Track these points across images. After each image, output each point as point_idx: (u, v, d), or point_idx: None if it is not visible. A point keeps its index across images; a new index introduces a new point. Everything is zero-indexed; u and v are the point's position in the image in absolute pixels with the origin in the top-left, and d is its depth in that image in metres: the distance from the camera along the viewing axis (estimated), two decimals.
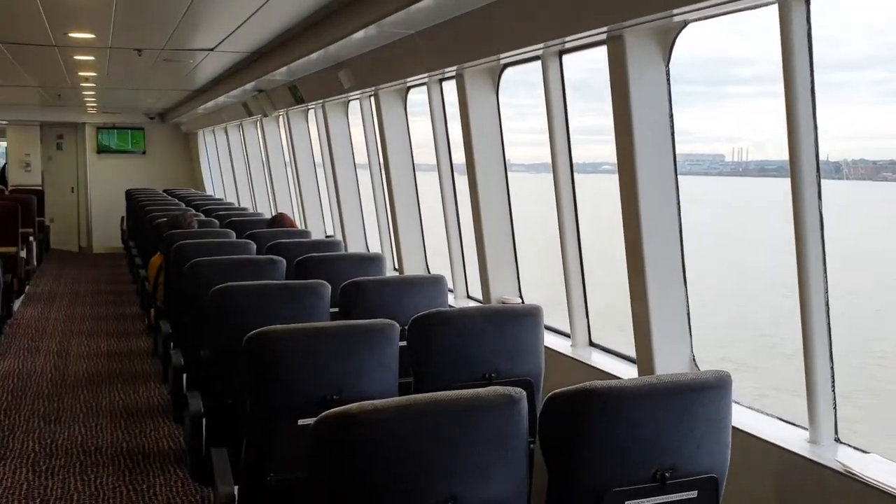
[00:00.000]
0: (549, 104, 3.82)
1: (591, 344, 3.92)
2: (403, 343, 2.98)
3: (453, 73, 4.61)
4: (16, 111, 14.26)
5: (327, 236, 8.18)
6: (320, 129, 7.70)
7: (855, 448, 2.60)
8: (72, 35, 5.92)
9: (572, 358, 3.79)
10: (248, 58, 6.95)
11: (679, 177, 3.22)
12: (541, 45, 3.60)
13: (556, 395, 1.96)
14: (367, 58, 5.33)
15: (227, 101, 9.63)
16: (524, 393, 1.97)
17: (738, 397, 2.63)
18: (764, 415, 2.91)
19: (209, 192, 14.01)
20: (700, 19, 2.93)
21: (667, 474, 1.99)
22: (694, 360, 3.26)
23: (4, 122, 15.49)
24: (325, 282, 3.94)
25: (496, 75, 4.48)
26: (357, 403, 1.86)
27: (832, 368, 2.64)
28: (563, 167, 3.85)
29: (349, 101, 6.92)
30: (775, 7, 2.54)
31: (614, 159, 3.26)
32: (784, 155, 2.63)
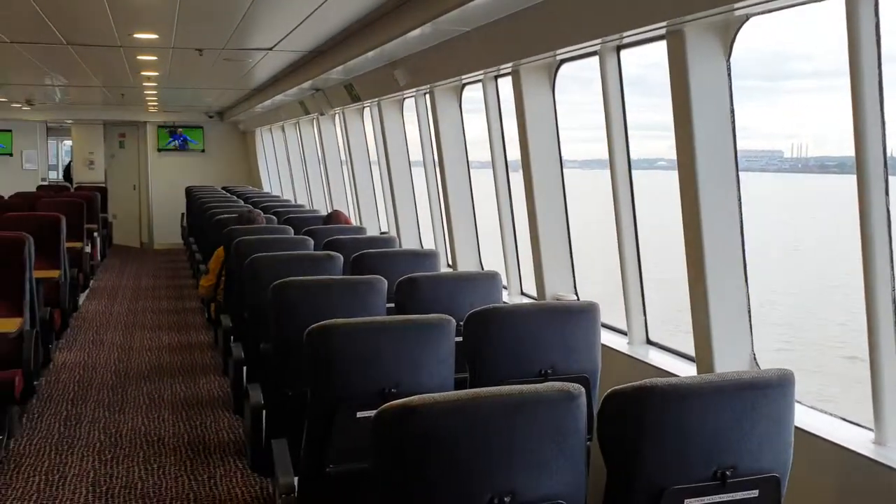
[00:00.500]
0: (606, 100, 3.80)
1: (649, 342, 3.89)
2: (459, 339, 3.01)
3: (509, 70, 4.61)
4: (81, 111, 14.71)
5: (382, 233, 8.26)
6: (375, 127, 7.78)
7: None
8: (136, 36, 6.09)
9: (629, 356, 3.76)
10: (305, 57, 7.05)
11: None
12: (598, 41, 3.59)
13: (615, 392, 1.95)
14: (423, 55, 5.36)
15: (284, 100, 9.79)
16: (583, 389, 1.97)
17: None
18: (827, 415, 2.85)
19: (266, 189, 14.24)
20: (763, 13, 2.88)
21: (727, 473, 1.98)
22: (755, 358, 3.21)
23: (70, 122, 15.98)
24: (381, 277, 4.00)
25: (552, 71, 4.47)
26: (417, 396, 1.88)
27: None
28: (620, 164, 3.83)
29: (404, 98, 6.97)
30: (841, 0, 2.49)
31: (670, 155, 3.23)
32: (846, 151, 2.58)
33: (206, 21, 5.56)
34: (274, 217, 8.02)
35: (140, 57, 7.32)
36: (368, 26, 5.32)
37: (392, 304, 3.97)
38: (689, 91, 3.04)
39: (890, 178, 2.54)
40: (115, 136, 15.60)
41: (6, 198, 10.56)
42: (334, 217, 7.12)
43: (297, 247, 5.82)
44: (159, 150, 15.18)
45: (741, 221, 3.17)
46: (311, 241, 5.95)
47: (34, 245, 5.43)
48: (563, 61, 4.38)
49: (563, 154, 4.59)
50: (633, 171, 3.90)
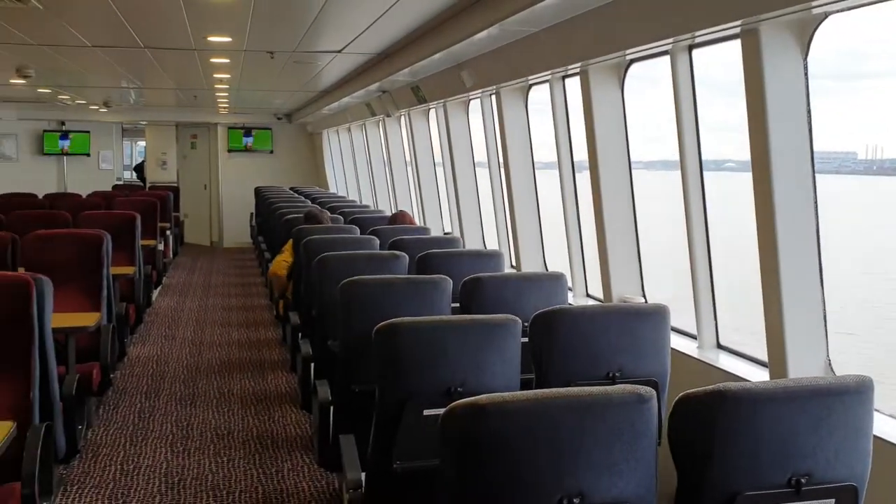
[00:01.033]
0: (677, 101, 3.75)
1: (719, 346, 3.82)
2: (524, 339, 3.01)
3: (577, 70, 4.59)
4: (155, 112, 15.17)
5: (445, 233, 8.30)
6: (441, 128, 7.82)
7: None
8: (210, 39, 6.26)
9: (699, 360, 3.70)
10: (372, 59, 7.14)
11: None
12: (670, 40, 3.54)
13: (687, 396, 1.93)
14: (490, 57, 5.38)
15: (350, 102, 9.92)
16: (654, 392, 1.96)
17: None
18: None
19: (332, 190, 14.45)
20: (842, 10, 2.80)
21: (802, 480, 1.94)
22: (830, 364, 3.13)
23: (144, 123, 16.49)
24: (447, 277, 4.02)
25: (622, 71, 4.43)
26: (486, 395, 1.89)
27: None
28: (691, 165, 3.77)
29: (470, 100, 7.00)
30: None
31: (739, 157, 3.17)
32: None
33: (279, 24, 5.68)
34: (340, 217, 8.15)
35: (213, 60, 7.52)
36: (436, 28, 5.36)
37: (457, 304, 3.99)
38: (763, 91, 2.98)
39: None
40: (187, 137, 16.02)
41: (84, 196, 10.95)
42: (399, 217, 7.18)
43: (363, 246, 5.90)
44: (229, 150, 15.53)
45: (817, 225, 3.09)
46: (377, 241, 6.03)
47: (111, 242, 5.63)
48: (632, 61, 4.34)
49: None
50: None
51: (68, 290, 5.00)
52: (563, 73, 4.95)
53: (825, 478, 1.95)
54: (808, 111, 3.04)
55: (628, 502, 1.91)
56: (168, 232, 11.15)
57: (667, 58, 3.80)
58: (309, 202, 10.05)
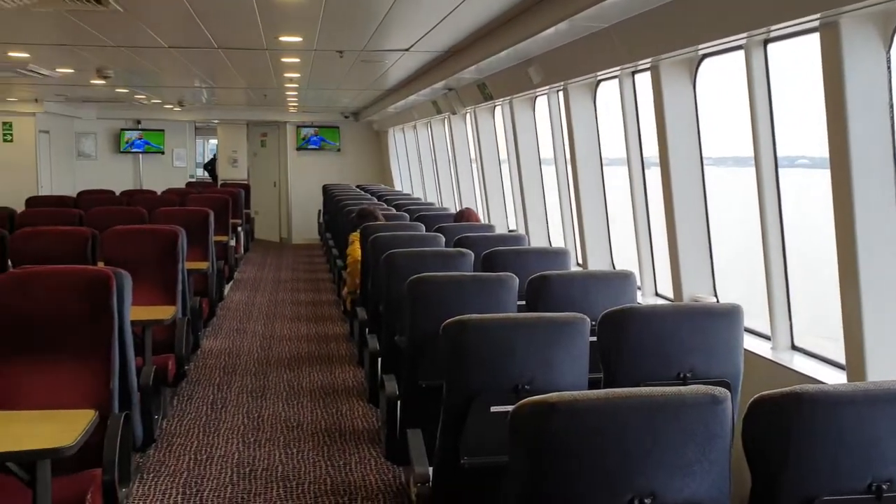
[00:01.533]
0: (752, 97, 3.66)
1: (794, 347, 3.72)
2: (593, 339, 2.99)
3: (647, 66, 4.53)
4: (226, 111, 15.54)
5: (510, 231, 8.28)
6: (506, 125, 7.81)
7: None
8: (282, 39, 6.38)
9: (772, 361, 3.62)
10: (439, 57, 7.17)
11: None
12: (744, 35, 3.46)
13: (763, 398, 1.90)
14: (558, 53, 5.34)
15: (416, 100, 9.97)
16: (728, 393, 1.92)
17: None
18: None
19: (397, 187, 14.57)
20: None
21: (884, 486, 1.88)
22: None
23: (216, 121, 16.91)
24: (513, 274, 4.02)
25: (693, 67, 4.35)
26: (556, 393, 1.89)
27: None
28: (766, 162, 3.68)
29: (536, 96, 6.97)
30: None
31: (813, 153, 3.08)
32: None
33: (348, 23, 5.75)
34: (406, 214, 8.22)
35: (284, 59, 7.66)
36: (503, 25, 5.35)
37: (522, 302, 3.99)
38: (843, 86, 2.89)
39: None
40: (257, 135, 16.36)
41: (159, 193, 11.29)
42: (465, 214, 7.20)
43: (428, 243, 5.94)
44: (298, 149, 15.80)
45: None
46: (443, 238, 6.06)
47: (186, 238, 5.80)
48: (704, 56, 4.25)
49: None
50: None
51: (145, 284, 5.17)
52: (632, 69, 4.88)
53: None
54: (892, 106, 2.94)
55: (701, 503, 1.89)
56: (239, 228, 11.42)
57: (740, 52, 3.72)
58: (375, 199, 10.17)
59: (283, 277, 11.53)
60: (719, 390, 1.90)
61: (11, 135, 13.68)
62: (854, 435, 1.86)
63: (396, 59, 7.40)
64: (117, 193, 11.28)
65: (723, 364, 2.91)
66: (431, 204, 10.94)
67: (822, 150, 3.13)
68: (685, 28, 3.79)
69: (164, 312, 4.97)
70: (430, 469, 3.08)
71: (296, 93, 11.33)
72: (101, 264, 5.25)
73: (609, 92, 5.62)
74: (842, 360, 3.23)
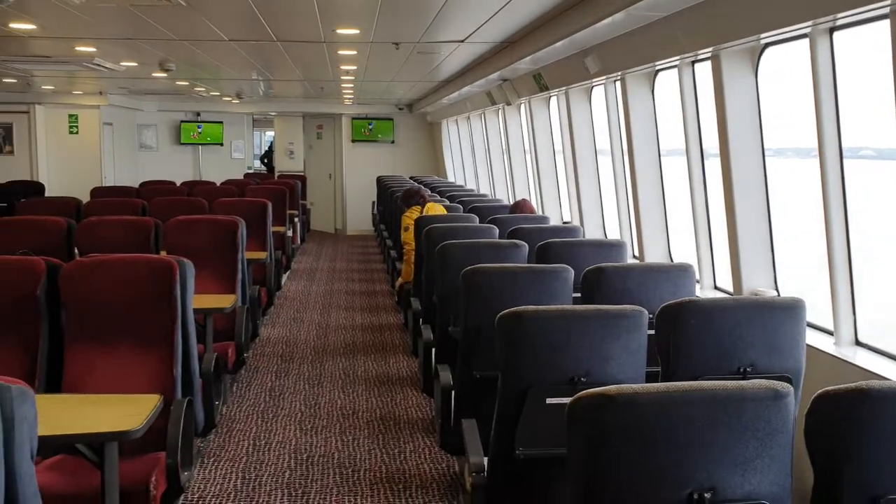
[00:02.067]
0: (816, 87, 3.57)
1: (858, 343, 3.63)
2: (650, 332, 2.97)
3: (707, 55, 4.45)
4: (283, 103, 15.75)
5: (564, 222, 8.23)
6: (561, 116, 7.75)
7: None
8: (339, 31, 6.44)
9: (835, 356, 3.54)
10: (494, 48, 7.15)
11: None
12: (809, 23, 3.38)
13: (826, 394, 1.86)
14: (615, 43, 5.28)
15: (470, 91, 9.97)
16: (791, 388, 1.90)
17: None
18: None
19: (450, 178, 14.59)
20: None
21: None
22: None
23: (273, 114, 17.15)
24: (568, 266, 4.01)
25: (755, 56, 4.26)
26: (614, 386, 1.88)
27: None
28: (831, 154, 3.59)
29: (593, 86, 6.90)
30: None
31: (879, 144, 2.99)
32: None
33: (405, 15, 5.78)
34: (459, 206, 8.23)
35: (341, 52, 7.73)
36: (560, 16, 5.31)
37: (578, 294, 3.97)
38: None
39: None
40: (313, 127, 16.55)
41: (218, 184, 11.52)
42: (520, 206, 7.19)
43: (482, 235, 5.96)
44: (353, 140, 15.93)
45: None
46: (496, 230, 6.07)
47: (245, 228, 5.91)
48: (767, 45, 4.16)
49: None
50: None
51: (206, 273, 5.29)
52: (692, 59, 4.80)
53: None
54: None
55: (762, 499, 1.86)
56: (296, 219, 11.58)
57: (805, 41, 3.63)
58: (428, 192, 10.20)
59: (337, 268, 11.67)
60: (782, 385, 1.88)
61: (77, 127, 14.10)
62: None
63: (452, 51, 7.41)
64: (178, 184, 11.53)
65: (784, 359, 2.86)
66: (484, 195, 10.93)
67: (889, 141, 3.04)
68: (748, 16, 3.71)
69: (225, 301, 5.08)
70: (485, 459, 3.10)
71: (351, 85, 11.43)
72: (163, 253, 5.38)
73: (668, 82, 5.55)
74: None
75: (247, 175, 15.19)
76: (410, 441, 4.86)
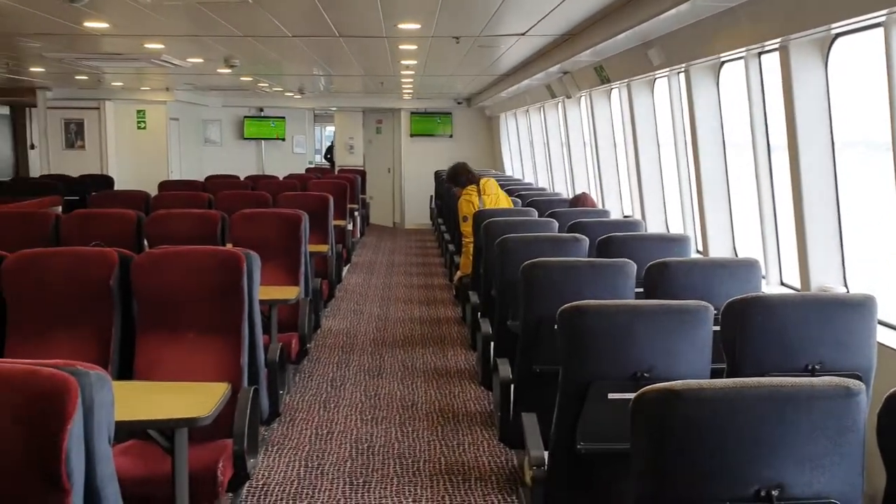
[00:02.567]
0: (891, 78, 3.46)
1: None
2: (715, 328, 2.93)
3: (775, 46, 4.35)
4: (343, 99, 15.92)
5: (625, 216, 8.15)
6: (623, 108, 7.67)
7: None
8: (400, 26, 6.48)
9: None
10: (555, 41, 7.11)
11: None
12: (884, 11, 3.28)
13: None
14: (680, 34, 5.20)
15: (530, 84, 9.92)
16: (863, 386, 1.86)
17: None
18: None
19: (508, 172, 14.56)
20: None
21: None
22: None
23: (334, 109, 17.35)
24: (631, 261, 3.97)
25: (826, 47, 4.15)
26: (680, 381, 1.87)
27: None
28: None
29: (655, 79, 6.81)
30: None
31: None
32: None
33: (466, 9, 5.79)
34: (518, 200, 8.22)
35: (401, 46, 7.78)
36: (622, 7, 5.25)
37: (640, 289, 3.94)
38: None
39: None
40: (372, 122, 16.69)
41: (281, 178, 11.71)
42: (581, 199, 7.14)
43: (541, 228, 5.94)
44: (412, 135, 16.02)
45: None
46: (556, 224, 6.04)
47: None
48: (838, 35, 4.05)
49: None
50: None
51: (270, 265, 5.39)
52: (759, 50, 4.70)
53: None
54: None
55: (831, 498, 1.83)
56: (356, 213, 11.70)
57: (878, 31, 3.52)
58: None
59: (396, 261, 11.76)
60: (853, 382, 1.84)
61: (145, 122, 14.51)
62: None
63: (512, 44, 7.39)
64: (241, 178, 11.77)
65: (854, 356, 2.79)
66: (543, 189, 10.89)
67: None
68: (818, 6, 3.62)
69: (289, 293, 5.17)
70: (545, 453, 3.10)
71: (411, 80, 11.48)
72: (229, 245, 5.51)
73: (733, 73, 5.44)
74: None
75: (308, 169, 15.41)
76: (469, 434, 4.89)
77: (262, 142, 16.87)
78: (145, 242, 5.82)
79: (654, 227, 7.13)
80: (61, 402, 1.82)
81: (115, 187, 11.94)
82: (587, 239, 5.01)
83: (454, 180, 7.44)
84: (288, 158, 16.61)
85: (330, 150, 20.14)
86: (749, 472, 1.81)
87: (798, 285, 4.51)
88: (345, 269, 10.12)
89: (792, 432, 1.81)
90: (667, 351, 2.86)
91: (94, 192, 10.31)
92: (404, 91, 13.73)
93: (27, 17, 6.05)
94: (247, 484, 3.98)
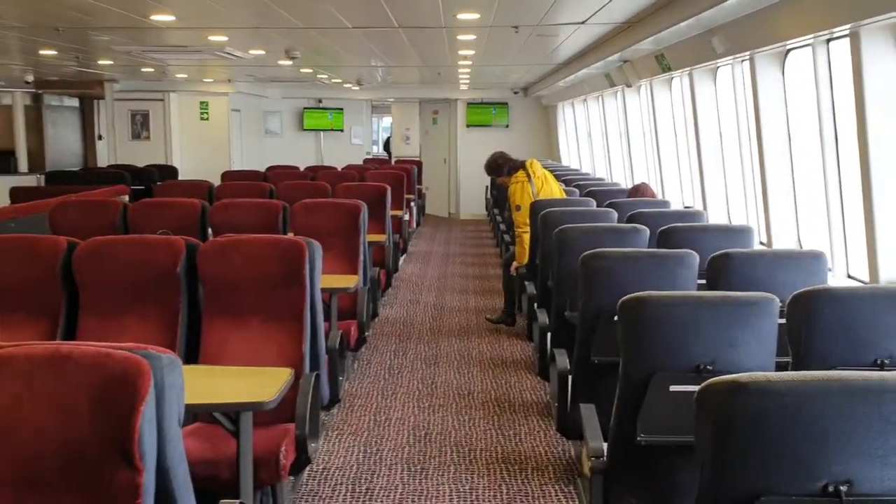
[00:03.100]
0: None
1: None
2: (781, 321, 2.87)
3: (845, 33, 4.22)
4: (400, 89, 16.00)
5: (686, 207, 8.02)
6: (685, 97, 7.53)
7: None
8: (459, 16, 6.48)
9: None
10: (615, 29, 7.02)
11: None
12: None
13: None
14: (743, 21, 5.09)
15: (588, 73, 9.82)
16: None
17: None
18: None
19: (564, 162, 14.45)
20: None
21: None
22: None
23: (391, 100, 17.45)
24: (692, 252, 3.91)
25: None
26: (747, 374, 1.85)
27: None
28: None
29: (718, 67, 6.68)
30: None
31: None
32: None
33: None
34: (576, 190, 8.16)
35: (460, 37, 7.78)
36: None
37: (702, 281, 3.88)
38: None
39: None
40: (429, 112, 16.73)
41: (339, 169, 11.84)
42: (641, 190, 7.05)
43: (600, 219, 5.88)
44: (468, 125, 16.01)
45: None
46: (615, 214, 5.98)
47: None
48: None
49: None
50: None
51: (330, 254, 5.44)
52: (828, 36, 4.57)
53: None
54: None
55: None
56: (412, 203, 11.76)
57: None
58: None
59: (451, 251, 11.79)
60: None
61: (207, 113, 14.81)
62: None
63: (571, 33, 7.32)
64: (301, 169, 11.94)
65: None
66: (601, 179, 10.78)
67: None
68: None
69: (349, 281, 5.24)
70: (604, 444, 3.09)
71: (468, 70, 11.47)
72: (290, 234, 5.60)
73: (799, 61, 5.30)
74: None
75: (366, 160, 15.54)
76: (525, 423, 4.89)
77: (321, 133, 17.06)
78: (209, 231, 5.95)
79: (715, 218, 7.00)
80: (134, 385, 1.87)
81: (179, 177, 12.23)
82: (647, 229, 4.95)
83: (496, 171, 7.20)
84: (346, 149, 16.77)
85: (388, 142, 20.30)
86: (817, 466, 1.78)
87: (866, 278, 4.39)
88: (401, 259, 10.19)
89: (862, 427, 1.77)
90: (730, 343, 2.82)
91: (160, 181, 10.59)
92: (461, 81, 13.72)
93: (98, 12, 6.23)
94: (308, 468, 4.05)
